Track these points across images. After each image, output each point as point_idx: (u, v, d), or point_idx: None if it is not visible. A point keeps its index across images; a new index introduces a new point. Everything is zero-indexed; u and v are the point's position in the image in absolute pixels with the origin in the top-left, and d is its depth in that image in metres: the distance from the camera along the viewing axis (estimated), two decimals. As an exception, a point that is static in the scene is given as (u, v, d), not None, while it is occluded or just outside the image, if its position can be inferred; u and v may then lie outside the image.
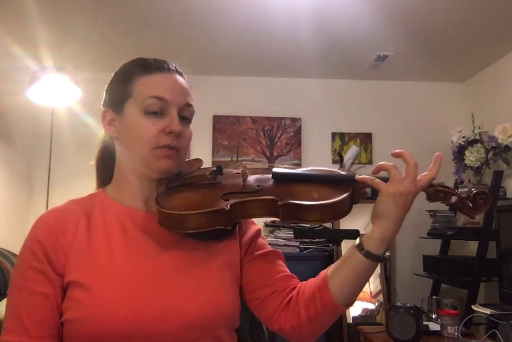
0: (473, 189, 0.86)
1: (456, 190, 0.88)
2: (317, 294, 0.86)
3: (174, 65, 0.95)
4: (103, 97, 0.96)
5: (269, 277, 0.94)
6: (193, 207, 0.83)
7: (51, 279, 0.84)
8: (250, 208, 0.86)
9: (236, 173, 0.96)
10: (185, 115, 0.92)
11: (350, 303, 0.87)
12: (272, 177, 0.91)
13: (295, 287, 0.93)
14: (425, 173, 0.83)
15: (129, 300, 0.81)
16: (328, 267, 0.90)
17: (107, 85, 0.96)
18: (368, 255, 0.82)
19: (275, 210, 0.84)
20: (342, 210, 0.85)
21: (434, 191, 0.86)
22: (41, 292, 0.83)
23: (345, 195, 0.84)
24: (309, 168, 0.95)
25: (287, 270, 0.98)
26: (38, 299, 0.83)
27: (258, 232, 1.01)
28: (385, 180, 0.83)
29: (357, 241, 0.85)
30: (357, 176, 0.86)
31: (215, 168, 0.93)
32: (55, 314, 0.84)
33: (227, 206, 0.83)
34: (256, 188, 0.89)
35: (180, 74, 0.95)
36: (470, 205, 0.86)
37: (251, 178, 0.93)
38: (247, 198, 0.86)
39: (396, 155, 0.83)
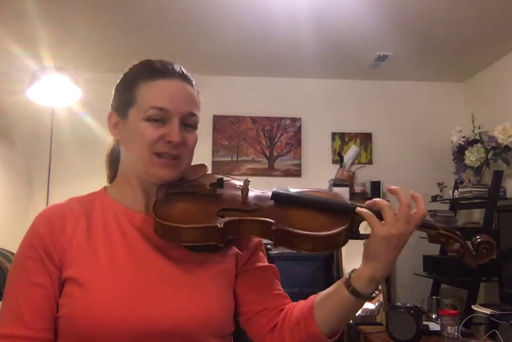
0: (478, 237, 0.82)
1: (459, 235, 0.83)
2: (302, 323, 0.86)
3: (181, 68, 0.93)
4: (112, 98, 0.96)
5: (263, 293, 0.94)
6: (188, 220, 0.82)
7: (49, 270, 0.84)
8: (244, 227, 0.84)
9: (238, 185, 0.93)
10: (189, 123, 0.91)
11: (334, 335, 0.86)
12: (271, 198, 0.89)
13: (284, 308, 0.92)
14: (415, 210, 0.79)
15: (121, 301, 0.80)
16: (317, 294, 0.89)
17: (115, 86, 0.95)
18: (354, 293, 0.81)
19: (269, 233, 0.82)
20: (337, 242, 0.82)
21: (436, 234, 0.82)
22: (40, 284, 0.83)
23: (341, 228, 0.81)
24: (315, 189, 0.92)
25: (281, 288, 0.97)
26: (37, 290, 0.83)
27: (260, 244, 1.00)
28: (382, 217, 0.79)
29: (346, 276, 0.84)
30: (358, 208, 0.82)
31: (215, 180, 0.90)
32: (52, 307, 0.83)
33: (220, 224, 0.81)
34: (254, 207, 0.86)
35: (187, 79, 0.92)
36: (473, 253, 0.82)
37: (251, 195, 0.90)
38: (243, 217, 0.84)
39: (391, 192, 0.81)
